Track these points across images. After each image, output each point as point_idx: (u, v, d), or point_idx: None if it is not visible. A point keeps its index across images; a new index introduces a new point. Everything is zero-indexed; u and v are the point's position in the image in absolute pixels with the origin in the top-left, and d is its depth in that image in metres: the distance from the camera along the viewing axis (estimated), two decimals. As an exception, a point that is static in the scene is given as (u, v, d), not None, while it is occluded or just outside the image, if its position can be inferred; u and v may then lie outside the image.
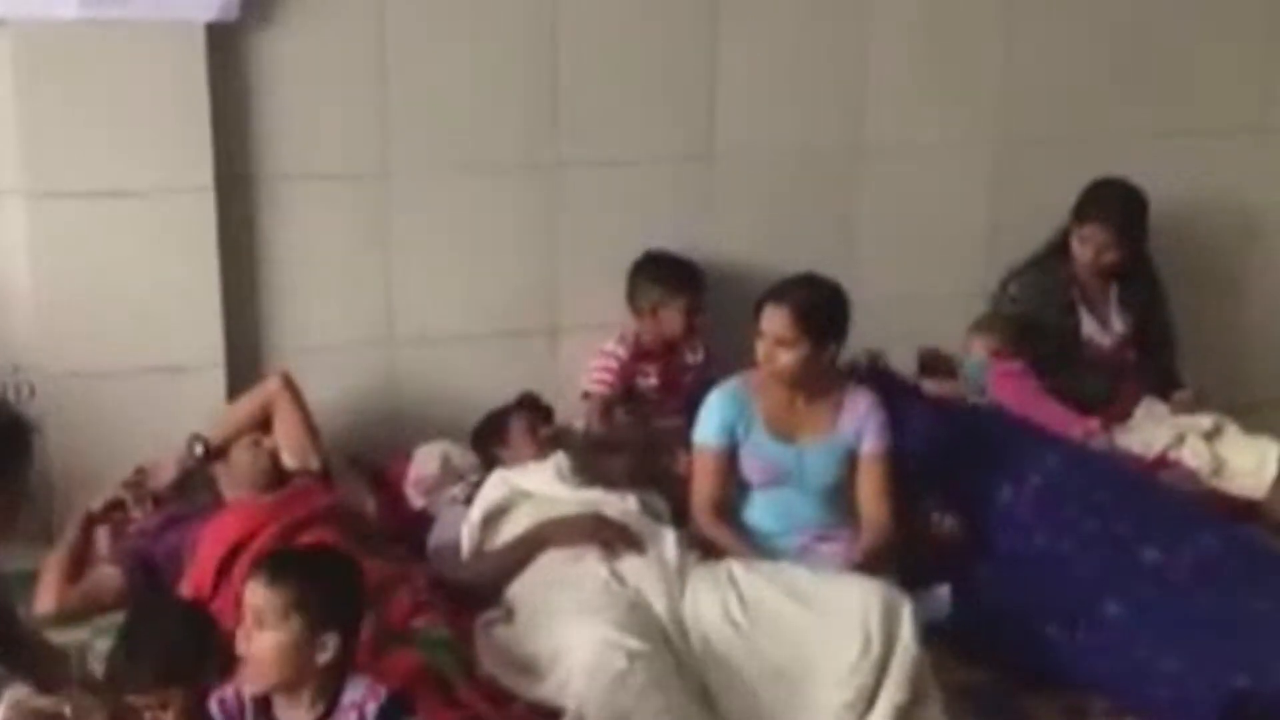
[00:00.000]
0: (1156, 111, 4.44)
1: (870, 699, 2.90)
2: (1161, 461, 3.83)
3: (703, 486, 3.36)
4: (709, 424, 3.37)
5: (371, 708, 2.48)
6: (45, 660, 2.89)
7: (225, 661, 2.62)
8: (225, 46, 3.68)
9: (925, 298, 4.29)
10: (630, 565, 3.17)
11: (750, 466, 3.37)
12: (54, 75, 3.57)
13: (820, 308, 3.30)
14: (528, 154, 4.01)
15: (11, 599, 3.02)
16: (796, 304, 3.27)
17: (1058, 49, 4.35)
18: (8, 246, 3.67)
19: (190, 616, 2.76)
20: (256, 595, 2.48)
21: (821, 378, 3.36)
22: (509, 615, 3.17)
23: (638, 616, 3.02)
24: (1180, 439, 3.87)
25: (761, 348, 3.31)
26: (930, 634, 3.00)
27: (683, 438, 3.62)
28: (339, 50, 3.81)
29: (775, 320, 3.28)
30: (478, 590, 3.26)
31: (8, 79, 3.56)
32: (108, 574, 3.44)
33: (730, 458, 3.36)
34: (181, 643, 2.63)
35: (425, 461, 3.75)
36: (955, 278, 4.32)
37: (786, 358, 3.28)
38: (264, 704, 2.52)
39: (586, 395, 3.99)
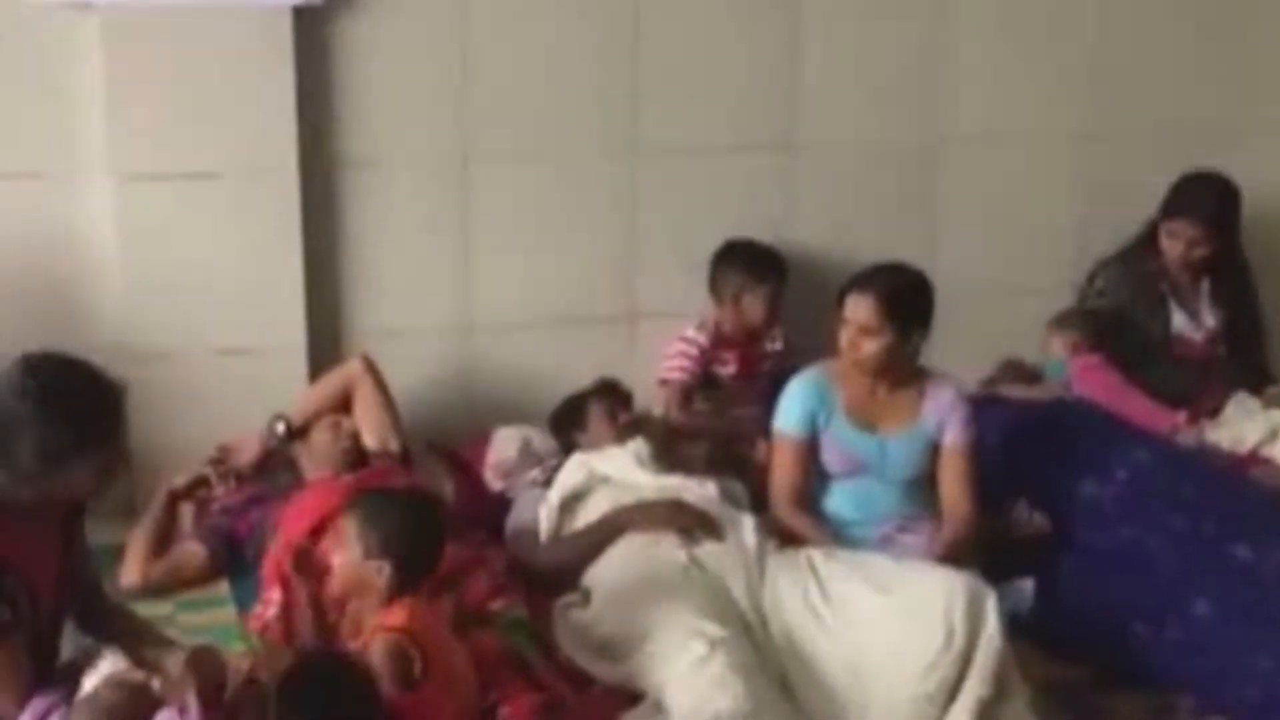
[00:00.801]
0: (1247, 100, 4.36)
1: (952, 692, 2.86)
2: (1253, 458, 3.76)
3: (782, 475, 3.35)
4: (789, 412, 3.35)
5: None
6: (132, 632, 2.94)
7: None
8: (310, 31, 3.71)
9: (1009, 289, 4.24)
10: (709, 551, 3.16)
11: (830, 455, 3.35)
12: (141, 58, 3.61)
13: (905, 296, 3.27)
14: (608, 142, 4.00)
15: (99, 572, 3.07)
16: (881, 292, 3.24)
17: (1147, 36, 4.28)
18: (95, 227, 3.72)
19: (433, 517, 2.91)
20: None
21: (904, 367, 3.33)
22: (586, 599, 3.17)
23: (717, 603, 3.02)
24: (1273, 434, 3.79)
25: (845, 336, 3.28)
26: (1014, 629, 2.96)
27: (761, 426, 3.62)
28: (422, 36, 3.82)
29: (859, 308, 3.25)
30: (556, 574, 3.27)
31: (96, 62, 3.60)
32: (191, 550, 3.49)
33: (810, 446, 3.34)
34: (418, 528, 2.80)
35: (504, 445, 3.76)
36: (1041, 269, 4.27)
37: (870, 346, 3.26)
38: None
39: (665, 382, 3.98)
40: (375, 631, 2.66)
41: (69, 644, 2.87)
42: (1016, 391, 3.90)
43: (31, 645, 2.69)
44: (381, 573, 2.71)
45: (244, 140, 3.71)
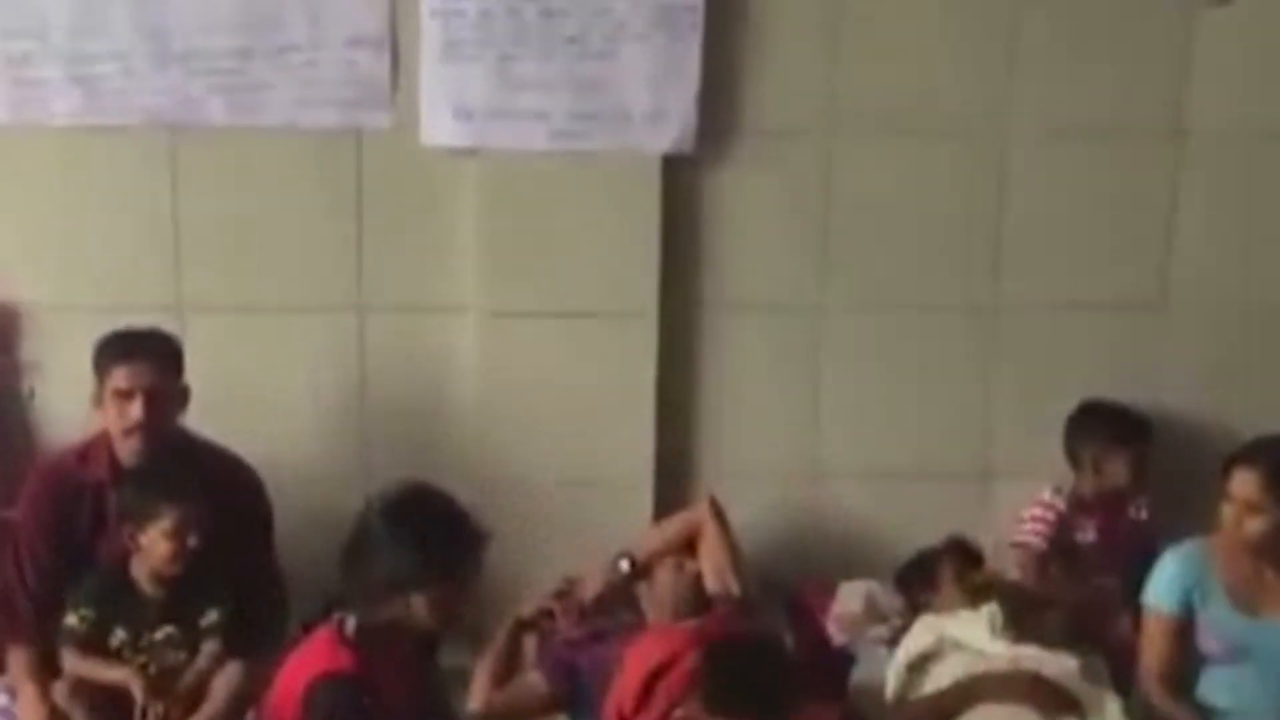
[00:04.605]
0: None
1: None
2: None
3: (1154, 655, 3.18)
4: (1164, 588, 3.20)
5: None
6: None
7: None
8: (678, 177, 3.80)
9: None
10: (1069, 731, 3.01)
11: (1207, 638, 3.16)
12: (516, 200, 3.77)
13: (1298, 472, 3.08)
14: (968, 295, 3.94)
15: (449, 694, 3.14)
16: (1270, 467, 3.07)
17: None
18: (460, 360, 3.87)
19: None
20: None
21: (1295, 549, 3.13)
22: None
23: (1076, 785, 2.86)
24: None
25: (1229, 512, 3.11)
26: None
27: (1122, 599, 3.46)
28: (786, 186, 3.86)
29: (1246, 484, 3.09)
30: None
31: (473, 203, 3.78)
32: (533, 681, 3.52)
33: (1185, 626, 3.18)
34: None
35: (849, 599, 3.70)
36: None
37: (1256, 525, 3.08)
38: None
39: (1018, 546, 3.83)
40: None
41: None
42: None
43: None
44: None
45: (608, 281, 3.81)
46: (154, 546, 3.21)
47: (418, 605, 2.79)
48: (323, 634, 2.85)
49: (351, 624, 2.81)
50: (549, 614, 3.65)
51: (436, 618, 2.83)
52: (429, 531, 2.81)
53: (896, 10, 3.78)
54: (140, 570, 3.25)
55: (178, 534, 3.20)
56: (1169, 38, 3.83)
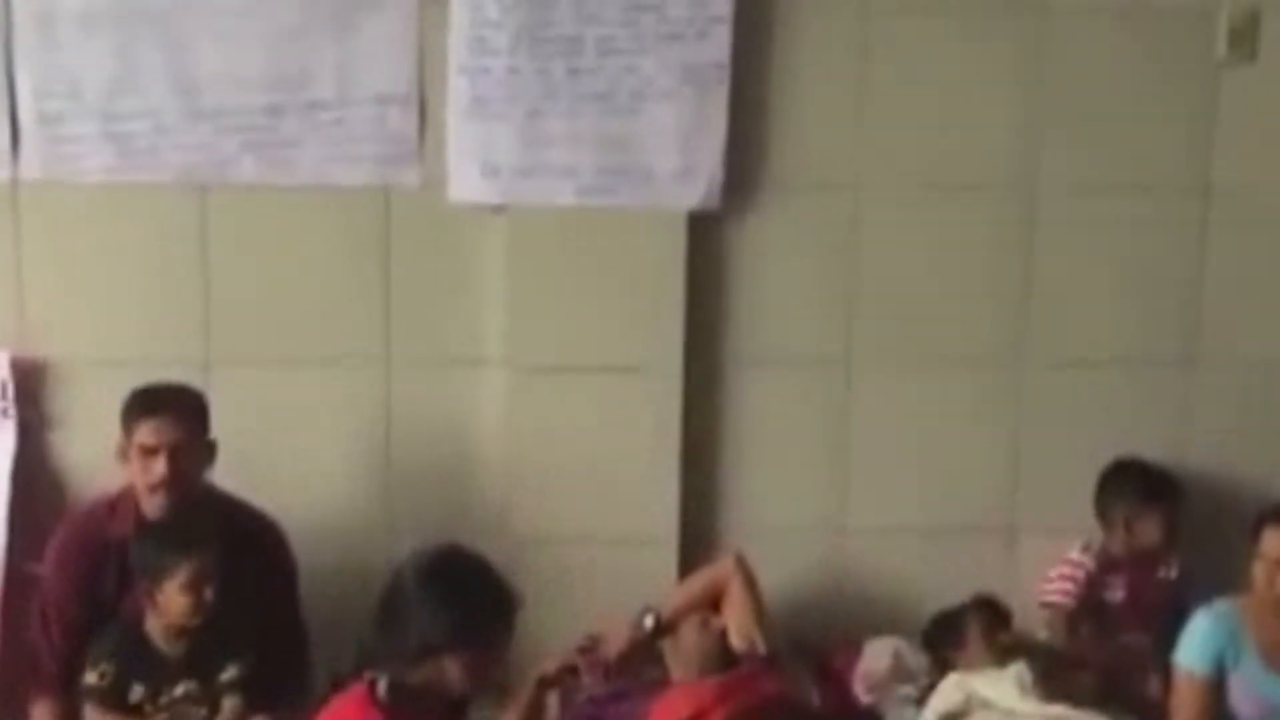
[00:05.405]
0: None
1: None
2: None
3: (1185, 715, 3.18)
4: (1196, 648, 3.18)
5: None
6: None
7: None
8: (704, 232, 3.81)
9: None
10: (1101, 792, 2.98)
11: (1240, 699, 3.14)
12: (544, 256, 3.79)
13: (1331, 532, 3.06)
14: (996, 351, 3.93)
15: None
16: (1302, 526, 3.04)
17: None
18: (486, 414, 3.88)
19: None
20: None
21: (1329, 609, 3.10)
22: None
23: None
24: None
25: (1261, 571, 3.11)
26: None
27: (1153, 659, 3.42)
28: (813, 242, 3.87)
29: (1277, 542, 3.06)
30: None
31: (500, 259, 3.80)
32: (557, 738, 3.52)
33: (1217, 686, 3.16)
34: None
35: (877, 657, 3.67)
36: None
37: (1290, 584, 3.05)
38: None
39: (1047, 605, 3.79)
40: None
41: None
42: None
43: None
44: None
45: (634, 336, 3.81)
46: (171, 601, 3.21)
47: (450, 668, 2.79)
48: (354, 693, 2.84)
49: (384, 685, 2.80)
50: (573, 671, 3.61)
51: (469, 681, 2.83)
52: (464, 596, 2.81)
53: (924, 67, 3.80)
54: (155, 626, 3.25)
55: (194, 586, 3.20)
56: (1194, 95, 3.85)
